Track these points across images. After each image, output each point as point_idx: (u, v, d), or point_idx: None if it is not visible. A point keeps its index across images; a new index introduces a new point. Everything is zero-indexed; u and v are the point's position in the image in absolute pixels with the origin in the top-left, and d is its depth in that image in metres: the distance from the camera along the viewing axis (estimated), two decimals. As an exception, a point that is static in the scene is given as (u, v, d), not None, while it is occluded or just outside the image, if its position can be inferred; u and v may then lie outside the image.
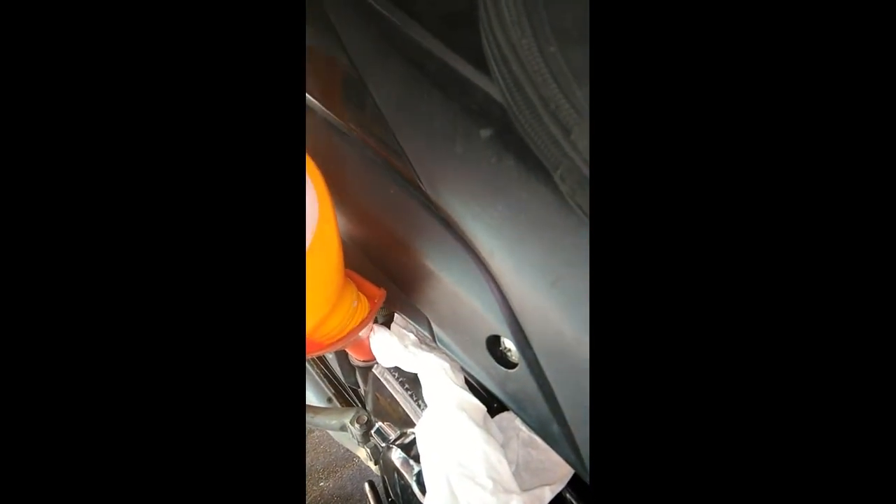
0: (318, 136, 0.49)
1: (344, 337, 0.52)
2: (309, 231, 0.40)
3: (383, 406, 0.62)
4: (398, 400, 0.59)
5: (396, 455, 0.55)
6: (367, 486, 0.66)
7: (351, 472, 1.30)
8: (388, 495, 0.63)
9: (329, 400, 0.87)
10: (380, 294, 0.54)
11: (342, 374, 0.80)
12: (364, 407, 0.72)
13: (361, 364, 0.64)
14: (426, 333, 0.54)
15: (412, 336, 0.56)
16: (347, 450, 1.31)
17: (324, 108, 0.50)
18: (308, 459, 1.34)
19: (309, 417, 0.71)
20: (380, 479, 0.69)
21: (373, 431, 0.61)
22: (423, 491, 0.47)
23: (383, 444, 0.59)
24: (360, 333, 0.54)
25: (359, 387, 0.77)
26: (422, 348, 0.54)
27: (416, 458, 0.52)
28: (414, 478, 0.52)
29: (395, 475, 0.55)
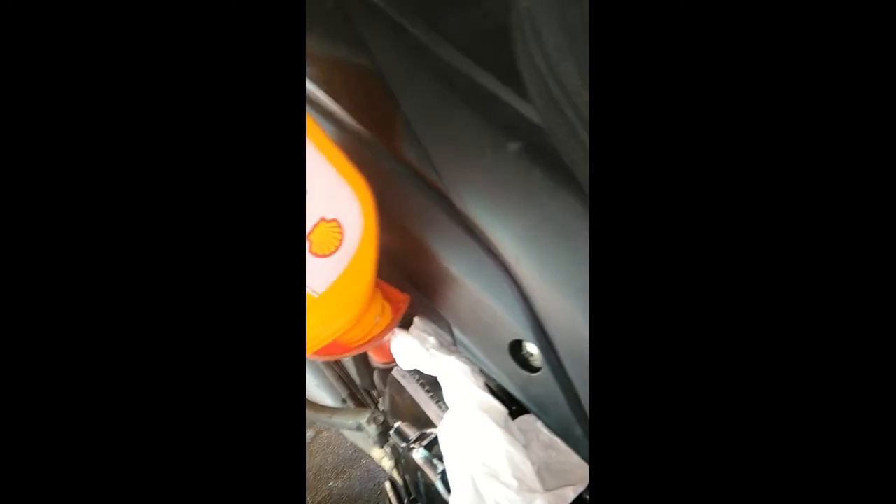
0: (346, 146, 0.51)
1: (368, 341, 0.54)
2: (353, 245, 0.41)
3: (401, 407, 0.63)
4: (419, 401, 0.60)
5: (419, 454, 0.56)
6: (387, 484, 0.67)
7: (360, 473, 1.31)
8: (408, 493, 0.64)
9: (343, 401, 0.88)
10: (403, 299, 0.55)
11: (358, 375, 0.81)
12: (378, 408, 0.73)
13: (382, 366, 0.65)
14: (447, 336, 0.56)
15: (432, 339, 0.57)
16: (356, 450, 1.32)
17: (353, 121, 0.51)
18: (317, 460, 1.36)
19: (326, 417, 0.72)
20: (396, 478, 0.71)
21: (392, 431, 0.62)
22: (449, 490, 0.49)
23: (403, 444, 0.60)
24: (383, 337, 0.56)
25: (374, 388, 0.79)
26: (442, 351, 0.55)
27: (440, 458, 0.54)
28: (439, 476, 0.53)
29: (419, 474, 0.56)
